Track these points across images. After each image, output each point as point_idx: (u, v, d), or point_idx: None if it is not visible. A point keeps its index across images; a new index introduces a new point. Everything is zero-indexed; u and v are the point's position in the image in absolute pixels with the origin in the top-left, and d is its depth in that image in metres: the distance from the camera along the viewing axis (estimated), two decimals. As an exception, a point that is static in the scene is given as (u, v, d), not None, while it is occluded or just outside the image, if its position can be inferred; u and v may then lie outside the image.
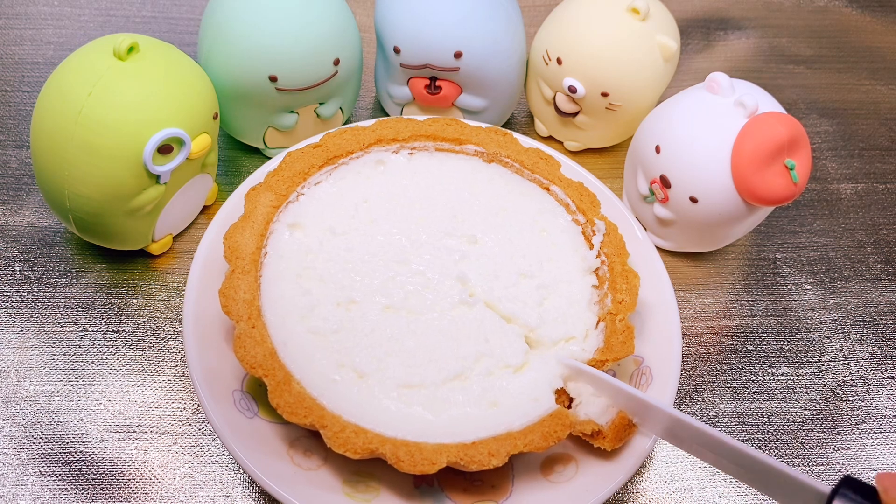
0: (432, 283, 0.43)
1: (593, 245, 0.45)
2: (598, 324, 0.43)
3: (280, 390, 0.37)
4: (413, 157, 0.47)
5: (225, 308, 0.39)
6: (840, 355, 0.50)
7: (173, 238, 0.50)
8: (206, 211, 0.52)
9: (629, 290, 0.43)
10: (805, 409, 0.47)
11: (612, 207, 0.49)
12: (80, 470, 0.42)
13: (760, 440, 0.46)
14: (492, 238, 0.45)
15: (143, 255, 0.50)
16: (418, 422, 0.38)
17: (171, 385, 0.45)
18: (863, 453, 0.46)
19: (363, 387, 0.39)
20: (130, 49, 0.42)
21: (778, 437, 0.46)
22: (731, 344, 0.49)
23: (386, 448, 0.36)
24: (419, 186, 0.46)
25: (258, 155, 0.55)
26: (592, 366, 0.41)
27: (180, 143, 0.43)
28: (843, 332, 0.51)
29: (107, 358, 0.46)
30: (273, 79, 0.47)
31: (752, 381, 0.48)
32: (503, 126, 0.57)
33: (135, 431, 0.43)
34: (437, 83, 0.52)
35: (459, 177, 0.47)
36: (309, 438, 0.40)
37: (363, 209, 0.45)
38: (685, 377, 0.48)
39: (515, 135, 0.49)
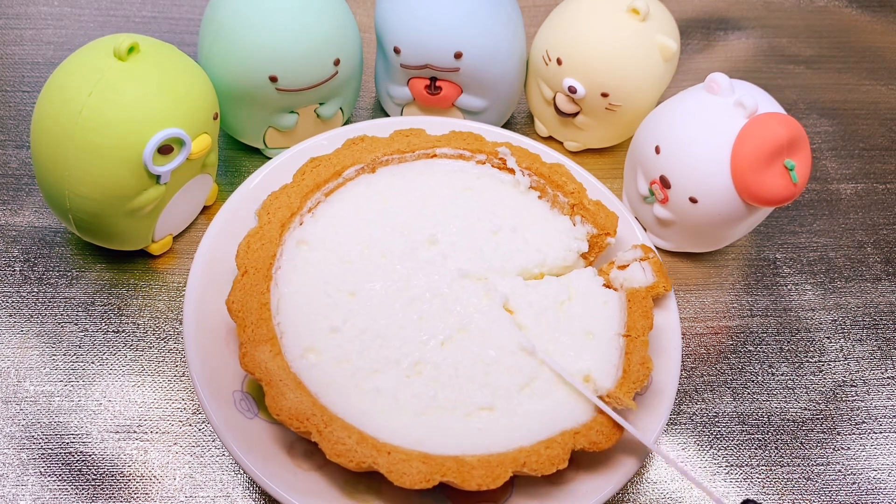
0: (431, 292, 0.43)
1: (514, 171, 0.47)
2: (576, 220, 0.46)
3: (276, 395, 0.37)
4: (376, 174, 0.47)
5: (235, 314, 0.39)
6: (840, 355, 0.50)
7: (173, 238, 0.50)
8: (207, 211, 0.52)
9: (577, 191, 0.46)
10: (805, 409, 0.47)
11: (612, 208, 0.49)
12: (80, 470, 0.42)
13: (760, 440, 0.46)
14: (454, 226, 0.45)
15: (143, 256, 0.50)
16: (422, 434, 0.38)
17: (171, 385, 0.45)
18: (863, 453, 0.46)
19: (373, 397, 0.39)
20: (131, 49, 0.42)
21: (778, 437, 0.46)
22: (731, 344, 0.50)
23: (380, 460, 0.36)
24: (388, 204, 0.46)
25: (258, 155, 0.55)
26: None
27: (180, 143, 0.43)
28: (842, 333, 0.51)
29: (107, 358, 0.46)
30: (273, 79, 0.47)
31: (752, 381, 0.48)
32: (503, 127, 0.57)
33: (135, 432, 0.43)
34: (437, 83, 0.52)
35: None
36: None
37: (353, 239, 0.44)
38: (685, 377, 0.48)
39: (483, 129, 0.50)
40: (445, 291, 0.42)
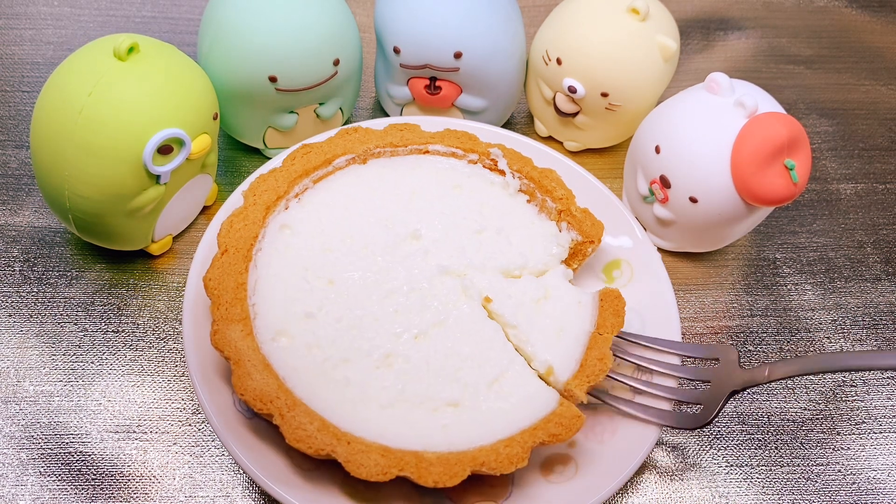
0: (411, 286, 0.43)
1: (504, 172, 0.47)
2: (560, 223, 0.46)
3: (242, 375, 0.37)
4: (367, 165, 0.47)
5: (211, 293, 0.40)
6: (840, 355, 0.50)
7: (173, 238, 0.50)
8: (206, 211, 0.52)
9: (566, 196, 0.46)
10: (805, 409, 0.47)
11: (612, 207, 0.49)
12: (79, 470, 0.42)
13: (760, 440, 0.46)
14: (438, 223, 0.45)
15: (142, 256, 0.50)
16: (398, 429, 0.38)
17: (170, 385, 0.45)
18: (862, 453, 0.46)
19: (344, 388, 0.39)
20: (130, 49, 0.42)
21: (778, 437, 0.46)
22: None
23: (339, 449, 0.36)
24: (376, 195, 0.46)
25: (258, 155, 0.55)
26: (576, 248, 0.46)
27: (180, 143, 0.43)
28: (842, 333, 0.51)
29: (106, 358, 0.46)
30: (273, 79, 0.47)
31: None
32: (503, 127, 0.57)
33: (134, 432, 0.43)
34: (437, 83, 0.52)
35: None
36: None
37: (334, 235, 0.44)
38: (685, 377, 0.48)
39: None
40: (424, 286, 0.42)
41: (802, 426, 0.46)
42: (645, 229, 0.51)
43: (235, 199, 0.46)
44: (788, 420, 0.47)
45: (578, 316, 0.43)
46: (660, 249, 0.52)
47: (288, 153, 0.46)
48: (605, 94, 0.51)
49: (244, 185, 0.47)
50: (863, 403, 0.48)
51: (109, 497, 0.41)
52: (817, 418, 0.47)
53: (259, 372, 0.37)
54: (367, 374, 0.39)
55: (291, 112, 0.51)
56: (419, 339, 0.41)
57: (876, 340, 0.50)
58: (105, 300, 0.48)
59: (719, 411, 0.39)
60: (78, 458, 0.42)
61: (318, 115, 0.52)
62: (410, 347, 0.40)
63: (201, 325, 0.41)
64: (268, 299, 0.40)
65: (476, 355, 0.41)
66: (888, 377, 0.49)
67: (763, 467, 0.45)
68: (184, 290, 0.44)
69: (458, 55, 0.49)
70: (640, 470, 0.44)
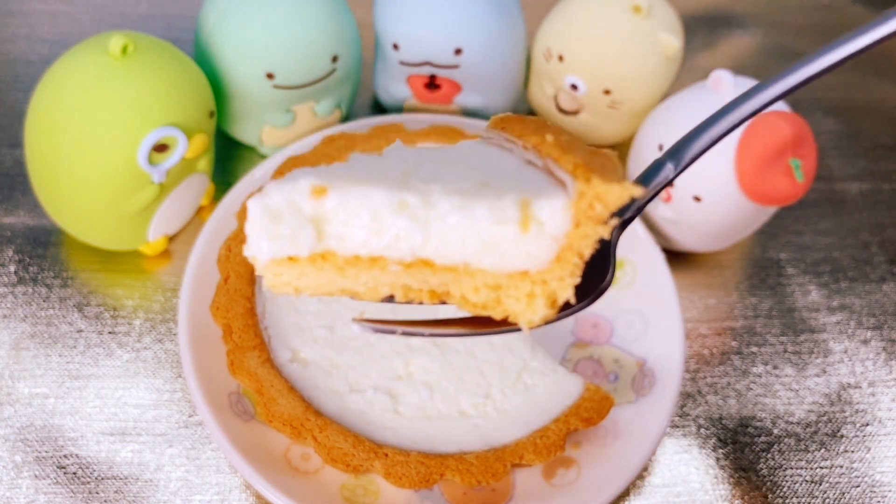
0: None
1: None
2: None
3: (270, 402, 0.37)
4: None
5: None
6: (845, 357, 0.49)
7: (168, 238, 0.50)
8: (202, 211, 0.51)
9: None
10: (809, 411, 0.47)
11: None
12: (74, 473, 0.42)
13: (764, 442, 0.45)
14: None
15: (137, 256, 0.49)
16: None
17: (166, 387, 0.45)
18: (867, 456, 0.45)
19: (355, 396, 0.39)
20: (126, 47, 0.41)
21: (781, 439, 0.45)
22: (735, 345, 0.49)
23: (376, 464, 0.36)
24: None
25: (255, 153, 0.55)
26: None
27: (175, 142, 0.43)
28: (847, 334, 0.50)
29: (101, 359, 0.45)
30: (270, 76, 0.47)
31: (756, 384, 0.48)
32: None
33: (130, 434, 0.43)
34: (436, 81, 0.51)
35: None
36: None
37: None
38: (688, 379, 0.47)
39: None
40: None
41: (807, 428, 0.46)
42: (648, 229, 0.51)
43: (232, 200, 0.46)
44: (792, 422, 0.46)
45: (504, 165, 0.32)
46: (663, 249, 0.51)
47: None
48: (607, 92, 0.50)
49: (239, 187, 0.46)
50: (868, 405, 0.47)
51: (105, 500, 0.41)
52: (821, 421, 0.46)
53: (283, 396, 0.37)
54: (391, 385, 0.39)
55: (288, 110, 0.50)
56: (438, 344, 0.40)
57: (881, 341, 0.50)
58: (100, 301, 0.47)
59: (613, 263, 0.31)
60: (73, 460, 0.42)
61: (315, 113, 0.51)
62: (430, 352, 0.40)
63: (197, 326, 0.41)
64: (280, 321, 0.40)
65: (496, 350, 0.41)
66: (894, 379, 0.48)
67: (767, 470, 0.44)
68: (179, 291, 0.43)
69: (458, 52, 0.49)
70: (643, 474, 0.44)
